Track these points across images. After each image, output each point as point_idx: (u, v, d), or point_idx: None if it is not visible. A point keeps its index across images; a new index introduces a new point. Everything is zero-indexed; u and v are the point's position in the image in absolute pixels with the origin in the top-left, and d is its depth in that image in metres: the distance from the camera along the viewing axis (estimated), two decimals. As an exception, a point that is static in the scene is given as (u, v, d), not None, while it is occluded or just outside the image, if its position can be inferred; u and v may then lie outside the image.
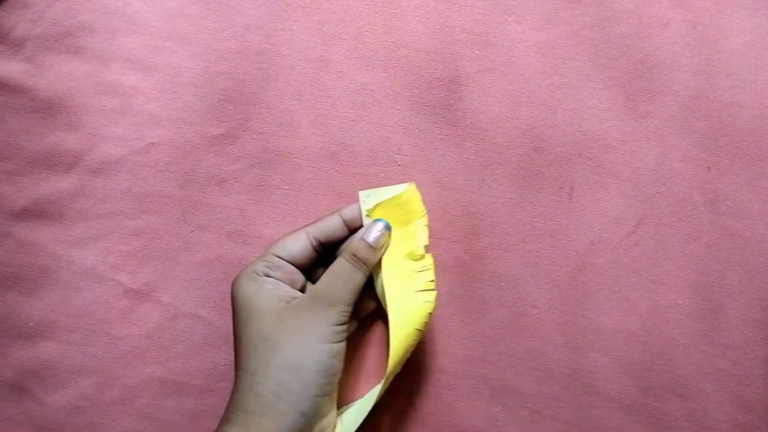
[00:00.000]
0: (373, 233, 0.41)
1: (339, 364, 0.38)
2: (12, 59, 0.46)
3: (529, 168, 0.46)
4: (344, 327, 0.38)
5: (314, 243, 0.41)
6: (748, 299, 0.44)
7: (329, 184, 0.46)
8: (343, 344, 0.38)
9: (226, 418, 0.37)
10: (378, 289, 0.42)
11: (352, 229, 0.42)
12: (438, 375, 0.44)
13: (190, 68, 0.46)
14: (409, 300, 0.41)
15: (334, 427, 0.39)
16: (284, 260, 0.40)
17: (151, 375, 0.44)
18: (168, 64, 0.46)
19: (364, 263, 0.40)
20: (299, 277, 0.41)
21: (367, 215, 0.41)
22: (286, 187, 0.46)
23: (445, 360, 0.44)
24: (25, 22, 0.46)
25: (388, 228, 0.41)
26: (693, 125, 0.46)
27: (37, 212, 0.45)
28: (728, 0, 0.47)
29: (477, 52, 0.47)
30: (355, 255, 0.40)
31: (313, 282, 0.42)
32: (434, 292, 0.41)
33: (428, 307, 0.41)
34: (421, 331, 0.40)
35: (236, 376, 0.38)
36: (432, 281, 0.42)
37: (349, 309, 0.39)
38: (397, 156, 0.46)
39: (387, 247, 0.41)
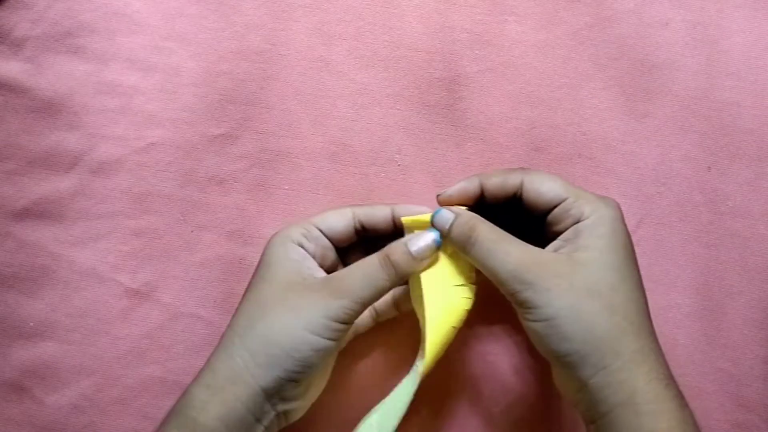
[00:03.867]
0: (418, 242, 0.37)
1: (318, 360, 0.35)
2: (12, 59, 0.46)
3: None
4: (343, 327, 0.36)
5: (357, 224, 0.40)
6: (748, 299, 0.44)
7: (329, 184, 0.46)
8: (334, 344, 0.36)
9: (197, 376, 0.36)
10: (412, 289, 0.39)
11: (400, 228, 0.40)
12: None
13: (190, 68, 0.46)
14: (447, 295, 0.37)
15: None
16: (322, 233, 0.39)
17: (151, 375, 0.44)
18: (168, 64, 0.46)
19: (394, 268, 0.37)
20: (331, 255, 0.40)
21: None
22: (286, 187, 0.46)
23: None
24: (25, 22, 0.46)
25: (437, 243, 0.37)
26: (693, 125, 0.46)
27: (37, 212, 0.45)
28: (728, 0, 0.47)
29: (477, 52, 0.47)
30: (388, 256, 0.37)
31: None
32: (473, 287, 0.38)
33: (466, 304, 0.38)
34: (456, 328, 0.37)
35: (224, 332, 0.37)
36: (472, 273, 0.38)
37: (357, 309, 0.36)
38: (397, 156, 0.46)
39: (428, 263, 0.38)
